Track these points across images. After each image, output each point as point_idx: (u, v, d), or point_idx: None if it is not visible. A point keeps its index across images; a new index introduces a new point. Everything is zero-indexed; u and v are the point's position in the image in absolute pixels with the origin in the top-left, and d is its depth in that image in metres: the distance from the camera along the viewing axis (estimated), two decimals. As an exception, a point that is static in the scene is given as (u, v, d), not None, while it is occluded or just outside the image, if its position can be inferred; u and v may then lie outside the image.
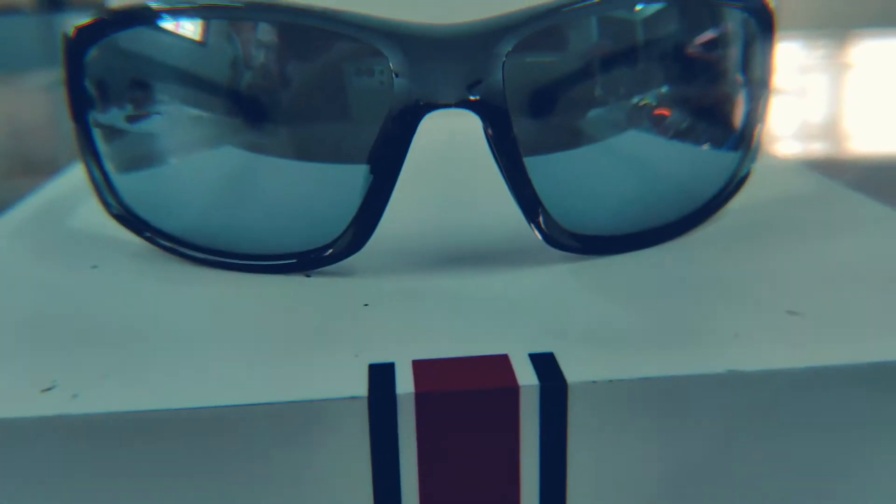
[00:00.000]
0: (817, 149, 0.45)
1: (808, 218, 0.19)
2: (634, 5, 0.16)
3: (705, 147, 0.19)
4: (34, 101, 0.94)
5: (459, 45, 0.15)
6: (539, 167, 0.16)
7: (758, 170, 0.20)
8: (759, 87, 0.19)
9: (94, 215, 0.19)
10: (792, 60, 1.04)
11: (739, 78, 0.19)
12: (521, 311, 0.15)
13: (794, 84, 0.82)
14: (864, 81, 0.85)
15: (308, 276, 0.17)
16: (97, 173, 0.18)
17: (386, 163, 0.16)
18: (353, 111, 0.17)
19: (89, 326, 0.15)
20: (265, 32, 0.16)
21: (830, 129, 0.54)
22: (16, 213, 0.22)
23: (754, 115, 0.19)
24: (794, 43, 1.28)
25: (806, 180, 0.23)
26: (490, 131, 0.16)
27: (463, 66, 0.15)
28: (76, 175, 0.25)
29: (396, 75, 0.15)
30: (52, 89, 1.06)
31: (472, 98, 0.15)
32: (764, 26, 0.18)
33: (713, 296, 0.15)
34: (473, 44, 0.15)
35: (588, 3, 0.15)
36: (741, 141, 0.19)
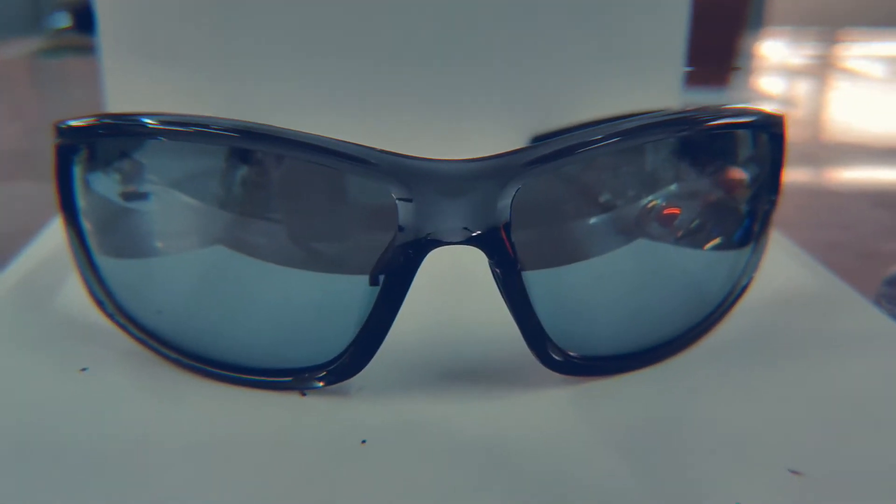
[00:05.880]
0: (806, 175, 0.45)
1: (810, 334, 0.19)
2: (641, 138, 0.16)
3: (709, 261, 0.19)
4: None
5: (466, 183, 0.15)
6: (543, 297, 0.16)
7: (766, 262, 0.19)
8: (766, 199, 0.19)
9: (80, 294, 0.18)
10: (780, 60, 1.04)
11: (748, 193, 0.18)
12: (518, 463, 0.14)
13: (782, 91, 0.82)
14: (854, 87, 0.85)
15: (304, 394, 0.17)
16: (89, 272, 0.18)
17: (389, 291, 0.16)
18: (358, 238, 0.16)
19: (76, 459, 0.14)
20: (269, 159, 0.16)
21: (823, 149, 0.53)
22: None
23: (761, 225, 0.19)
24: (781, 41, 1.27)
25: (810, 278, 0.23)
26: (496, 268, 0.15)
27: (470, 206, 0.15)
28: (55, 237, 0.24)
29: (401, 210, 0.15)
30: (36, 56, 1.04)
31: (478, 236, 0.15)
32: (776, 142, 0.18)
33: (709, 447, 0.15)
34: (481, 183, 0.15)
35: (600, 141, 0.15)
36: (746, 249, 0.19)
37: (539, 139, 0.33)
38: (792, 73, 0.95)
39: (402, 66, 0.34)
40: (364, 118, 0.33)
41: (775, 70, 0.97)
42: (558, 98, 0.34)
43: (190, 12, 0.32)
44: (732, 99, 0.72)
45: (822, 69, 0.97)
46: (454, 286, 0.19)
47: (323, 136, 0.15)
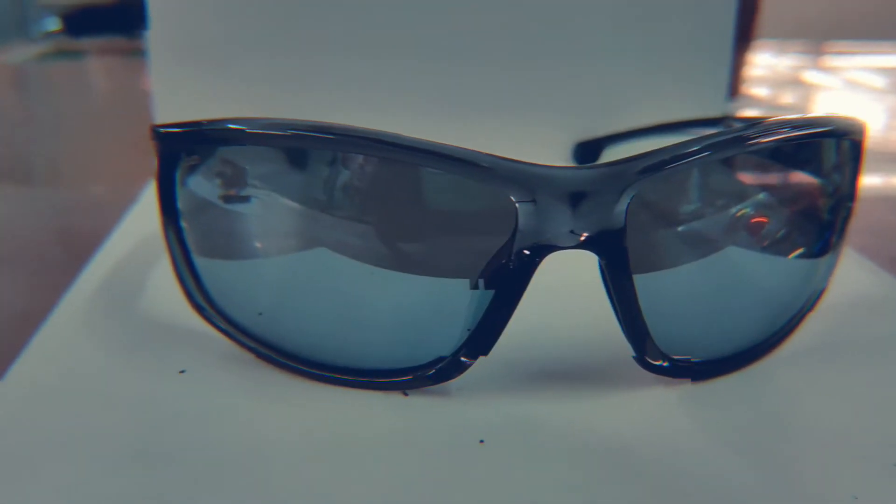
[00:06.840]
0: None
1: (886, 335, 0.20)
2: (745, 146, 0.17)
3: (794, 266, 0.19)
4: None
5: (585, 189, 0.15)
6: (649, 302, 0.16)
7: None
8: (844, 206, 0.19)
9: (168, 290, 0.18)
10: (780, 71, 1.05)
11: (830, 199, 0.19)
12: (636, 462, 0.15)
13: (790, 101, 0.83)
14: (857, 97, 0.86)
15: (406, 394, 0.17)
16: (188, 276, 0.18)
17: (505, 293, 0.16)
18: (467, 241, 0.17)
19: (192, 463, 0.15)
20: (372, 162, 0.16)
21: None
22: (80, 290, 0.22)
23: (840, 231, 0.19)
24: (775, 53, 1.29)
25: (873, 281, 0.24)
26: (608, 272, 0.16)
27: (589, 211, 0.15)
28: (133, 231, 0.25)
29: (521, 215, 0.15)
30: (26, 65, 1.03)
31: (595, 240, 0.15)
32: (855, 149, 0.19)
33: (816, 443, 0.16)
34: (599, 189, 0.15)
35: (702, 151, 0.16)
36: (826, 255, 0.20)
37: (582, 146, 0.34)
38: (794, 84, 0.96)
39: (447, 71, 0.34)
40: (414, 121, 0.33)
41: (776, 81, 0.98)
42: (602, 105, 0.34)
43: (238, 19, 0.32)
44: (743, 109, 0.73)
45: (823, 79, 0.98)
46: (545, 290, 0.19)
47: (437, 142, 0.15)
